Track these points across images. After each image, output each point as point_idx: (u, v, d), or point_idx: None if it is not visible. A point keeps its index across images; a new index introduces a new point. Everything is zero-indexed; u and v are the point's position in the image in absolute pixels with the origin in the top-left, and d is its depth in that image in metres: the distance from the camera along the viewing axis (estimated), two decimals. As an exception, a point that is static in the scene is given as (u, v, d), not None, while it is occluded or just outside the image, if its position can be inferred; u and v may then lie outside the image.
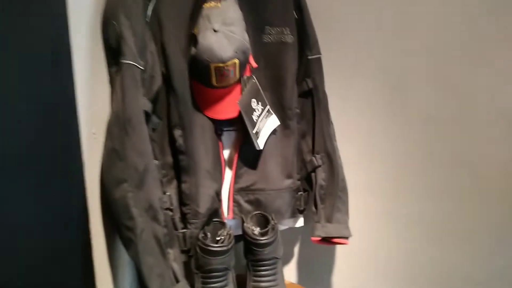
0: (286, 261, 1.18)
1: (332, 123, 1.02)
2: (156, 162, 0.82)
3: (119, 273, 0.83)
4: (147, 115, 0.79)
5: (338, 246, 1.13)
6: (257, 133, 0.91)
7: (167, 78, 0.83)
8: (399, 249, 1.10)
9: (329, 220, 0.96)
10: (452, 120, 1.00)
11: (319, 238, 0.95)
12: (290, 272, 1.18)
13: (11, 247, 0.51)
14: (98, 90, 0.75)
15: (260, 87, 0.94)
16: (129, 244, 0.72)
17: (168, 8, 0.81)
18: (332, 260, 1.15)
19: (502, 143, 0.98)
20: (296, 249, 1.18)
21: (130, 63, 0.72)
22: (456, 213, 1.04)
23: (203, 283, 0.83)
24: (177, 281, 0.75)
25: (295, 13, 0.96)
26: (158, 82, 0.81)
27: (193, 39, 0.82)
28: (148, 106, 0.79)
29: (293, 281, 1.17)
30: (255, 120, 0.91)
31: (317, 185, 0.98)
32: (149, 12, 0.79)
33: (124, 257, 0.85)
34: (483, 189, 1.01)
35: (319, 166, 0.99)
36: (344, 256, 1.14)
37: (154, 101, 0.82)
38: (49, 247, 0.60)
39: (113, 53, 0.74)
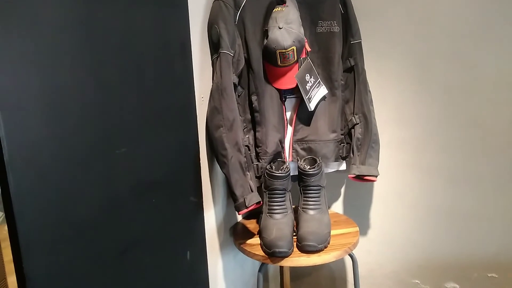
0: (335, 198, 1.55)
1: (369, 92, 1.34)
2: (240, 117, 1.24)
3: (215, 189, 1.28)
4: (235, 86, 1.20)
5: (374, 187, 1.47)
6: (309, 98, 1.28)
7: (248, 61, 1.24)
8: (420, 191, 1.40)
9: (362, 163, 1.30)
10: (466, 89, 1.26)
11: (354, 176, 1.30)
12: (337, 206, 1.55)
13: (159, 161, 0.97)
14: (205, 70, 1.18)
15: (313, 65, 1.30)
16: (223, 165, 1.16)
17: (249, 14, 1.21)
18: (370, 198, 1.50)
19: (506, 105, 1.22)
20: (342, 190, 1.54)
21: (225, 52, 1.14)
22: (468, 163, 1.31)
23: (269, 197, 1.25)
24: (252, 191, 1.18)
25: (341, 9, 1.30)
26: (242, 63, 1.22)
27: (265, 34, 1.21)
28: (236, 80, 1.20)
29: (340, 212, 1.54)
30: (308, 89, 1.28)
31: (355, 138, 1.33)
32: (237, 17, 1.20)
33: (219, 178, 1.29)
34: (491, 142, 1.26)
35: (357, 123, 1.33)
36: (378, 196, 1.48)
37: (240, 76, 1.23)
38: (177, 163, 1.05)
39: (215, 46, 1.16)
